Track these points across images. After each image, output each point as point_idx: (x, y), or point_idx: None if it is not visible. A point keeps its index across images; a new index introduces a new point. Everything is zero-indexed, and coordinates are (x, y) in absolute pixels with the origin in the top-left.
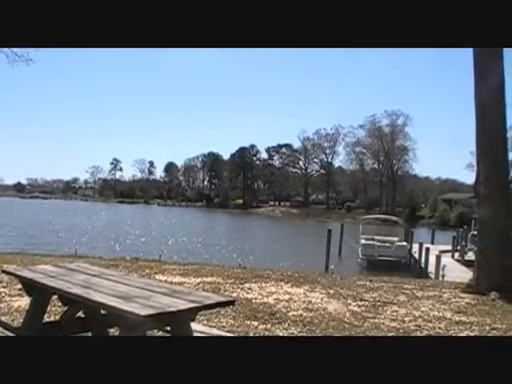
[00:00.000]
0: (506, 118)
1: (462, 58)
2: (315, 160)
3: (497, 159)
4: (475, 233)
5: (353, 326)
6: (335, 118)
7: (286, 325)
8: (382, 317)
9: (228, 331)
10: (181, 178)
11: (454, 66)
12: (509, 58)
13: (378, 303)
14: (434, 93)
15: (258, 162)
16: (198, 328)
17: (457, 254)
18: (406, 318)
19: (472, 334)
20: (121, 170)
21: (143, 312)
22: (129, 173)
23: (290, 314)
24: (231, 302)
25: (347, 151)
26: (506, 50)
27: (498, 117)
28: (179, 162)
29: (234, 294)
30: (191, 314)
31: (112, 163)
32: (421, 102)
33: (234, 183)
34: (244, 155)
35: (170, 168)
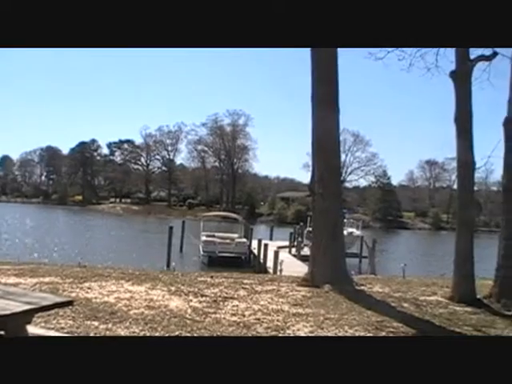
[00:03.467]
0: (339, 121)
1: (303, 58)
2: (157, 157)
3: (330, 160)
4: (310, 229)
5: (194, 322)
6: (178, 116)
7: (128, 323)
8: (223, 312)
9: (67, 333)
10: (16, 172)
11: (296, 66)
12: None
13: (219, 298)
14: (276, 93)
15: (98, 158)
16: (35, 331)
17: (294, 250)
18: (246, 312)
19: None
20: None
21: None
22: None
23: (132, 312)
24: (70, 303)
25: (189, 149)
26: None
27: (332, 120)
28: (14, 156)
29: (73, 294)
30: (27, 316)
31: None
32: (263, 103)
33: (73, 179)
34: (84, 150)
35: (4, 162)
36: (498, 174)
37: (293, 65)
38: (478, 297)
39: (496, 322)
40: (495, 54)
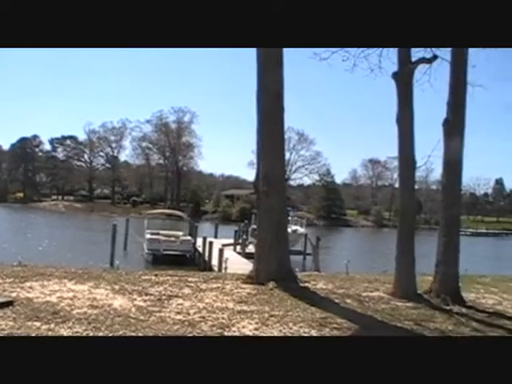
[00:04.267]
0: (284, 120)
1: (249, 58)
2: (101, 153)
3: (275, 158)
4: (255, 227)
5: (139, 321)
6: (123, 112)
7: (71, 323)
8: (168, 310)
9: (8, 334)
10: None
11: (242, 65)
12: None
13: (164, 297)
14: (222, 91)
15: (40, 154)
16: None
17: (238, 248)
18: (191, 311)
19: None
20: None
21: None
22: None
23: (75, 312)
24: (10, 303)
25: (134, 146)
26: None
27: (277, 119)
28: None
29: (14, 294)
30: None
31: None
32: (208, 100)
33: (14, 175)
34: (25, 146)
35: None
36: (437, 173)
37: (239, 63)
38: (419, 292)
39: (435, 317)
40: (435, 57)
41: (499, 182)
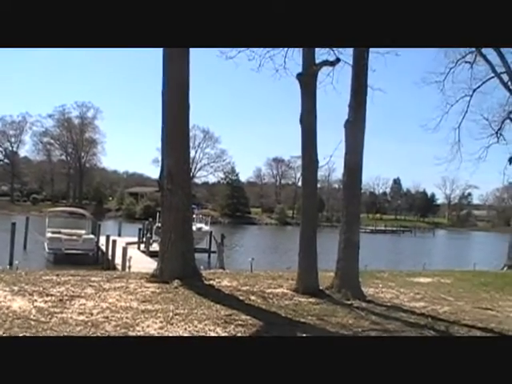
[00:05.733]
0: (189, 117)
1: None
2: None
3: (179, 156)
4: (159, 225)
5: (40, 323)
6: (23, 105)
7: None
8: (70, 311)
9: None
10: None
11: (148, 60)
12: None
13: (66, 297)
14: (127, 87)
15: None
16: None
17: (143, 246)
18: (94, 311)
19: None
20: None
21: None
22: None
23: None
24: None
25: (34, 141)
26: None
27: (182, 116)
28: None
29: None
30: None
31: None
32: (112, 96)
33: None
34: None
35: None
36: (339, 172)
37: (146, 61)
38: (321, 288)
39: (337, 311)
40: (338, 60)
41: (397, 182)
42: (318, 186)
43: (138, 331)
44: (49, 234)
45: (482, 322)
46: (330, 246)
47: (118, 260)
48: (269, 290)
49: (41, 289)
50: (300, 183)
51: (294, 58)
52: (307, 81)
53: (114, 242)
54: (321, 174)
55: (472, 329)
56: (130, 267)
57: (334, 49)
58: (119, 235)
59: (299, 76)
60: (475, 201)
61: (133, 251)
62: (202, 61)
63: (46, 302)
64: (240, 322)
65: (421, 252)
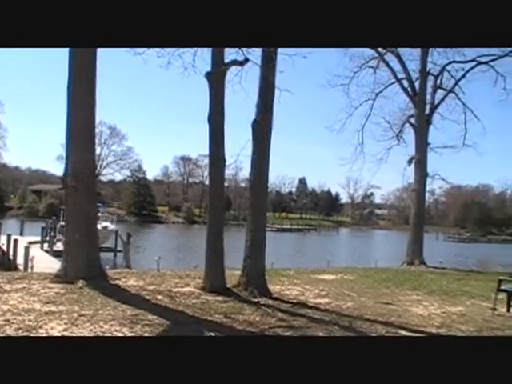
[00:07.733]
0: (96, 113)
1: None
2: None
3: (84, 152)
4: (63, 223)
5: None
6: None
7: None
8: None
9: None
10: None
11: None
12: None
13: None
14: (31, 79)
15: None
16: None
17: (46, 245)
18: None
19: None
20: None
21: None
22: None
23: None
24: None
25: None
26: None
27: (88, 112)
28: None
29: None
30: None
31: None
32: (17, 88)
33: None
34: None
35: None
36: (246, 171)
37: (53, 52)
38: (228, 286)
39: (244, 309)
40: (247, 60)
41: (303, 182)
42: (226, 184)
43: (42, 334)
44: None
45: (383, 316)
46: (237, 245)
47: (20, 260)
48: (176, 289)
49: None
50: (207, 182)
51: (203, 56)
52: (216, 80)
53: (16, 241)
54: (228, 172)
55: (374, 323)
56: (32, 267)
57: (243, 49)
58: (21, 234)
59: (208, 75)
60: (377, 200)
61: (36, 251)
62: (110, 56)
63: None
64: (147, 322)
65: (325, 250)
